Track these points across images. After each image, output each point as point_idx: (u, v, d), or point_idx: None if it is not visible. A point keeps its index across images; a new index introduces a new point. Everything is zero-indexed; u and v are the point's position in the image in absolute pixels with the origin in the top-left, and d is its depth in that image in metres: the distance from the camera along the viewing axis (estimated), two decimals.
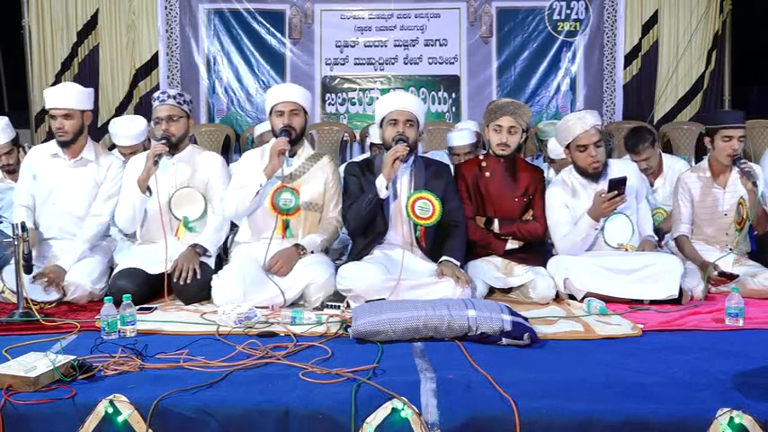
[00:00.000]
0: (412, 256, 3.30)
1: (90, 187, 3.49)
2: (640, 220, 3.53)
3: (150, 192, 3.36)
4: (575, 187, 3.48)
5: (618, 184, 3.22)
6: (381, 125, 3.38)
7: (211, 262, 3.37)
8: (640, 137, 4.00)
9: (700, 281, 3.24)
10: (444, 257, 3.23)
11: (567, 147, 3.44)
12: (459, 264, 3.24)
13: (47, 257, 3.36)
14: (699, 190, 3.58)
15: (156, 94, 3.48)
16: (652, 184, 4.04)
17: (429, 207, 3.26)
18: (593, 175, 3.41)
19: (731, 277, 3.21)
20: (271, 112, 3.40)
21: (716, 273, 3.22)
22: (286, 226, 3.38)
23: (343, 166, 3.65)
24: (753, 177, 3.29)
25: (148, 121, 4.76)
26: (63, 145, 3.45)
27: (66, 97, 3.40)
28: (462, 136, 4.46)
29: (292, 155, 3.42)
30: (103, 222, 3.48)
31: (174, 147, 3.41)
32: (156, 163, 3.29)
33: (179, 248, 3.34)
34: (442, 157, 4.45)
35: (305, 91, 3.47)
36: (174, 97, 3.42)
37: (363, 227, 3.34)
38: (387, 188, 3.20)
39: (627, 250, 3.39)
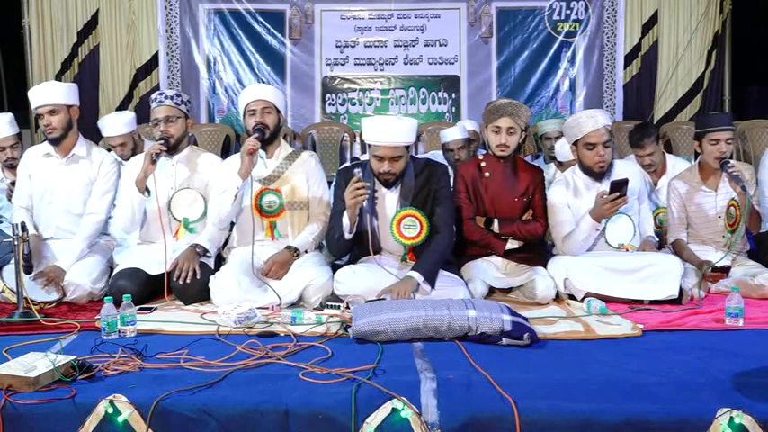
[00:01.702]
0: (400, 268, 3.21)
1: (84, 184, 3.48)
2: (642, 221, 3.54)
3: (149, 193, 3.35)
4: (577, 187, 3.48)
5: (619, 186, 3.22)
6: (369, 146, 3.22)
7: (211, 262, 3.36)
8: (645, 131, 4.03)
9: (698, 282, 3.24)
10: (409, 271, 3.06)
11: (575, 144, 3.44)
12: (424, 276, 3.02)
13: (46, 258, 3.36)
14: (689, 194, 3.59)
15: (153, 95, 3.47)
16: (656, 184, 4.05)
17: (416, 224, 3.18)
18: (597, 174, 3.41)
19: (725, 270, 3.22)
20: (244, 114, 3.38)
21: (709, 270, 3.24)
22: (273, 228, 3.38)
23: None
24: (741, 181, 3.30)
25: (147, 121, 4.78)
26: (53, 142, 3.44)
27: (48, 94, 3.38)
28: (453, 131, 4.48)
29: (269, 156, 3.42)
30: (100, 220, 3.47)
31: (172, 148, 3.41)
32: (153, 162, 3.28)
33: (178, 249, 3.34)
34: (439, 157, 4.46)
35: (276, 90, 3.49)
36: (172, 98, 3.41)
37: (344, 254, 3.35)
38: (349, 231, 3.14)
39: (627, 251, 3.40)
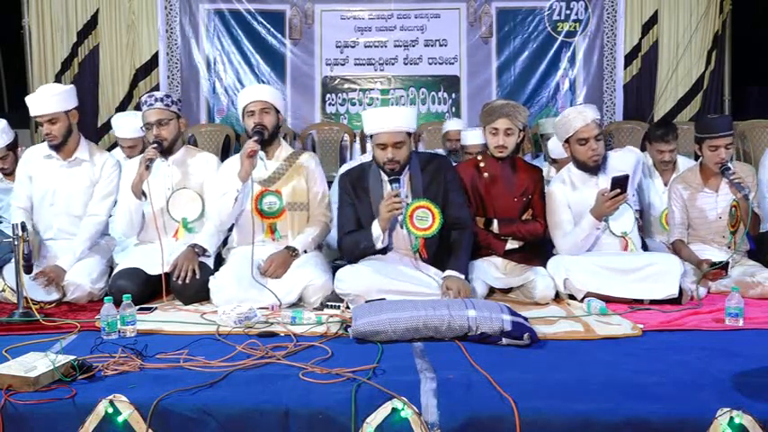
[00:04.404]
0: (413, 266, 3.21)
1: (86, 186, 3.48)
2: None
3: (145, 196, 3.34)
4: (574, 182, 3.48)
5: (620, 182, 3.22)
6: (370, 138, 3.27)
7: (210, 262, 3.36)
8: (671, 126, 4.03)
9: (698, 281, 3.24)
10: (448, 272, 3.14)
11: (567, 141, 3.44)
12: (464, 276, 3.14)
13: (46, 258, 3.36)
14: (690, 195, 3.60)
15: (142, 98, 3.44)
16: (666, 183, 4.04)
17: (428, 216, 3.18)
18: (592, 168, 3.41)
19: (723, 267, 3.24)
20: (243, 115, 3.37)
21: (708, 268, 3.25)
22: (273, 229, 3.37)
23: (337, 177, 3.61)
24: (743, 189, 3.30)
25: None
26: (55, 148, 3.43)
27: (46, 103, 3.34)
28: (476, 135, 4.46)
29: (270, 157, 3.41)
30: (101, 221, 3.47)
31: (167, 150, 3.40)
32: (148, 167, 3.26)
33: (177, 249, 3.33)
34: None
35: (275, 90, 3.48)
36: (162, 99, 3.37)
37: (360, 258, 3.28)
38: (382, 241, 3.14)
39: (628, 247, 3.40)
